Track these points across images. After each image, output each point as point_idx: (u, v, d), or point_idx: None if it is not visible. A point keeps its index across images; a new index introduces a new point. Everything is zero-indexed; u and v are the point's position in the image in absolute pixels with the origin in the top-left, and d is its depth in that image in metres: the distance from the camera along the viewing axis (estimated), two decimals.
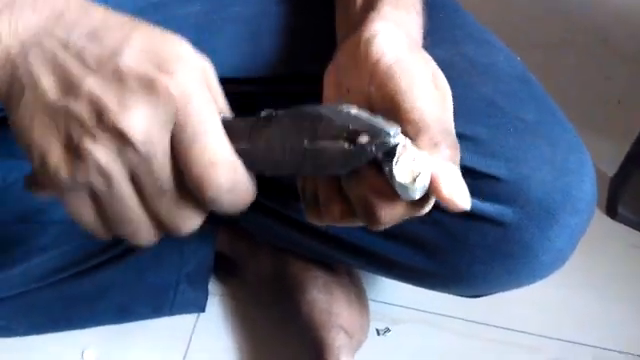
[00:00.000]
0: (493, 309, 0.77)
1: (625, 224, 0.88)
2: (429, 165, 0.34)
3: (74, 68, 0.33)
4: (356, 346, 0.69)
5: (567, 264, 0.56)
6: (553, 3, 1.20)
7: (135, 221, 0.35)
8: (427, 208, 0.37)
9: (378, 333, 0.76)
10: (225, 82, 0.57)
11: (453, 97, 0.51)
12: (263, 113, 0.35)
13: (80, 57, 0.33)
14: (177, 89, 0.33)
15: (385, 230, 0.55)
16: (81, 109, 0.33)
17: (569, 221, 0.51)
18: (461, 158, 0.50)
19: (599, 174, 0.55)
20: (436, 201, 0.51)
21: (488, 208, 0.52)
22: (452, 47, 0.55)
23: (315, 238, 0.63)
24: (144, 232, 0.36)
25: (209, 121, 0.33)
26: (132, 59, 0.33)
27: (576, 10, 1.19)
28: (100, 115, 0.33)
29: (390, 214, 0.36)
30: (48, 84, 0.33)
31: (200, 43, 0.56)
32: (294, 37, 0.57)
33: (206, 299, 0.75)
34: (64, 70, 0.33)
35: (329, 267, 0.71)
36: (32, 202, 0.65)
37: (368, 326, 0.72)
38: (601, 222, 0.86)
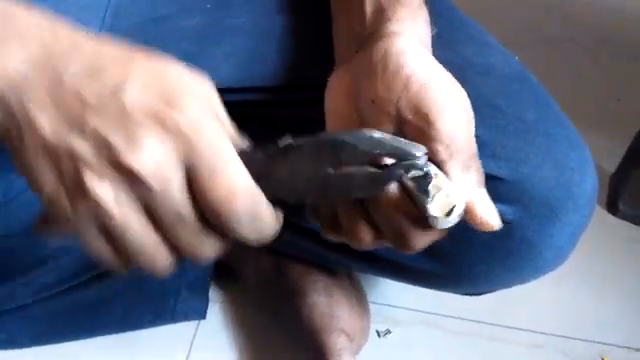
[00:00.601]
0: (495, 308, 0.77)
1: (626, 220, 0.88)
2: (463, 197, 0.35)
3: (74, 107, 0.32)
4: (357, 349, 0.69)
5: (569, 261, 0.57)
6: (553, 1, 1.20)
7: (152, 251, 0.34)
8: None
9: (379, 335, 0.76)
10: (226, 92, 0.57)
11: None
12: (281, 142, 0.35)
13: (79, 96, 0.32)
14: (188, 124, 0.32)
15: None
16: (85, 148, 0.32)
17: (570, 218, 0.51)
18: None
19: (599, 171, 0.55)
20: None
21: None
22: (451, 49, 0.55)
23: (317, 243, 0.63)
24: (161, 261, 0.35)
25: (224, 152, 0.33)
26: (135, 95, 0.32)
27: (576, 8, 1.20)
28: (107, 153, 0.32)
29: (423, 240, 0.37)
30: (46, 124, 0.32)
31: (200, 54, 0.57)
32: (294, 45, 0.57)
33: (207, 306, 0.74)
34: (62, 109, 0.32)
35: (329, 270, 0.71)
36: (32, 215, 0.64)
37: (369, 328, 0.72)
38: (602, 218, 0.87)
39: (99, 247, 0.34)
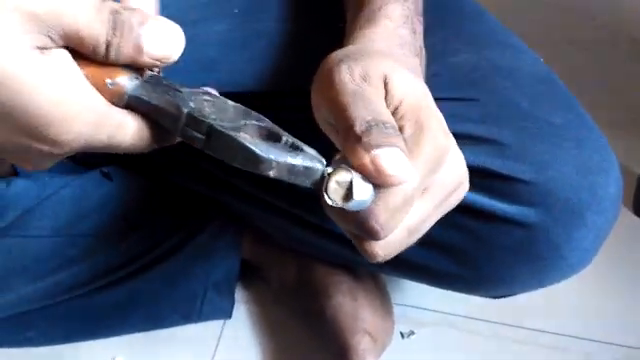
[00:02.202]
0: (518, 310, 0.77)
1: None
2: (354, 174, 0.34)
3: None
4: (381, 350, 0.69)
5: (595, 264, 0.57)
6: (576, 1, 1.19)
7: None
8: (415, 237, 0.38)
9: (403, 336, 0.76)
10: (250, 97, 0.58)
11: (478, 102, 0.52)
12: (196, 136, 0.34)
13: None
14: (68, 150, 0.33)
15: None
16: None
17: (595, 221, 0.51)
18: (486, 162, 0.51)
19: (627, 173, 0.55)
20: (459, 204, 0.52)
21: (513, 210, 0.52)
22: (477, 52, 0.55)
23: (340, 243, 0.63)
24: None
25: (121, 140, 0.33)
26: None
27: (600, 9, 1.19)
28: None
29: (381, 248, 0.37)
30: None
31: (226, 59, 0.58)
32: (321, 51, 0.58)
33: (232, 306, 0.76)
34: None
35: (353, 272, 0.72)
36: (63, 216, 0.66)
37: (392, 330, 0.73)
38: (629, 221, 0.86)
39: None
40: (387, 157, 0.34)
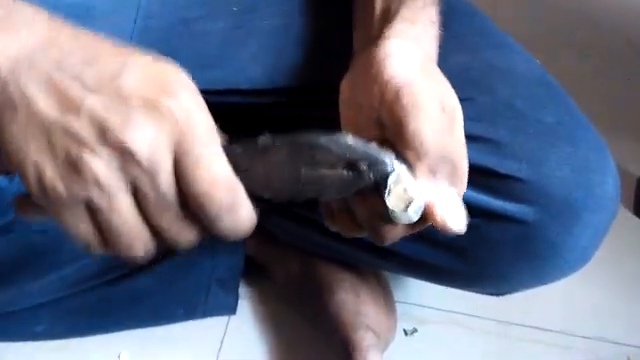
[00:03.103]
0: (523, 309, 0.77)
1: None
2: (421, 193, 0.37)
3: (72, 88, 0.33)
4: (384, 346, 0.70)
5: (598, 262, 0.57)
6: (576, 5, 1.19)
7: (134, 234, 0.35)
8: (425, 225, 0.40)
9: (406, 333, 0.76)
10: (252, 93, 0.58)
11: (473, 102, 0.52)
12: (261, 140, 0.36)
13: (78, 79, 0.33)
14: (180, 111, 0.33)
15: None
16: (81, 127, 0.33)
17: (592, 219, 0.52)
18: (483, 160, 0.51)
19: (626, 175, 0.55)
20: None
21: (511, 208, 0.53)
22: (471, 52, 0.55)
23: (341, 241, 0.64)
24: (141, 246, 0.36)
25: (211, 143, 0.34)
26: (133, 80, 0.33)
27: (599, 12, 1.19)
28: (103, 132, 0.33)
29: (392, 233, 0.39)
30: (44, 103, 0.33)
31: (228, 56, 0.58)
32: (317, 48, 0.59)
33: (237, 302, 0.76)
34: (61, 90, 0.33)
35: (356, 269, 0.72)
36: None
37: (395, 327, 0.73)
38: (629, 222, 0.86)
39: (82, 226, 0.35)
40: (453, 207, 0.38)
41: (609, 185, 0.52)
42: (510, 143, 0.51)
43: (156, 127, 0.33)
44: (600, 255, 0.56)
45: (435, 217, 0.37)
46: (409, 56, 0.42)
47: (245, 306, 0.78)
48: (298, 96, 0.59)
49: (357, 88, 0.43)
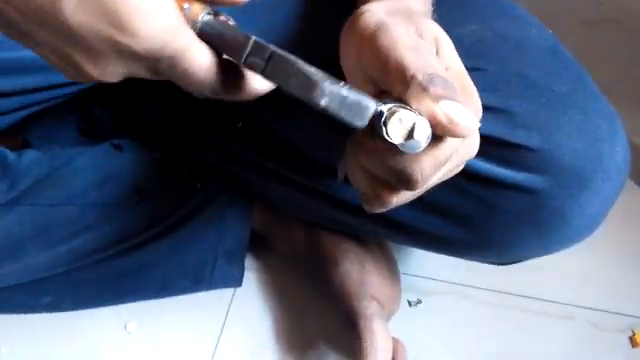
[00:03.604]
0: (526, 280, 0.78)
1: None
2: (419, 117, 0.35)
3: (16, 18, 0.32)
4: (388, 315, 0.70)
5: (602, 234, 0.57)
6: None
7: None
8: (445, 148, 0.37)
9: (410, 304, 0.77)
10: None
11: (485, 72, 0.52)
12: (254, 58, 0.34)
13: (23, 13, 0.32)
14: (146, 47, 0.33)
15: (417, 200, 0.57)
16: (51, 57, 0.33)
17: (600, 187, 0.52)
18: (494, 130, 0.51)
19: (634, 148, 0.55)
20: (467, 172, 0.53)
21: (520, 177, 0.53)
22: (483, 23, 0.55)
23: (346, 211, 0.64)
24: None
25: (189, 63, 0.34)
26: (73, 13, 0.32)
27: None
28: (78, 69, 0.33)
29: (421, 169, 0.37)
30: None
31: (245, 27, 0.57)
32: (311, 24, 0.58)
33: (243, 274, 0.77)
34: (13, 26, 0.33)
35: (360, 240, 0.72)
36: (75, 185, 0.67)
37: (400, 297, 0.74)
38: (634, 193, 0.86)
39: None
40: (455, 109, 0.35)
41: (619, 155, 0.52)
42: (521, 112, 0.51)
43: (126, 65, 0.33)
44: (604, 226, 0.57)
45: (440, 121, 0.35)
46: (381, 8, 0.42)
47: (250, 278, 0.79)
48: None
49: (343, 56, 0.43)
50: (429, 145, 0.36)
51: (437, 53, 0.40)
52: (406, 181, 0.37)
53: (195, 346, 0.74)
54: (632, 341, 0.74)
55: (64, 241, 0.67)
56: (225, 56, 0.36)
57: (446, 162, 0.38)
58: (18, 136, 0.69)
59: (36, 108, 0.63)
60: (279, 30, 0.59)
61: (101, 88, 0.68)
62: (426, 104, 0.35)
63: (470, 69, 0.50)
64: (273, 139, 0.63)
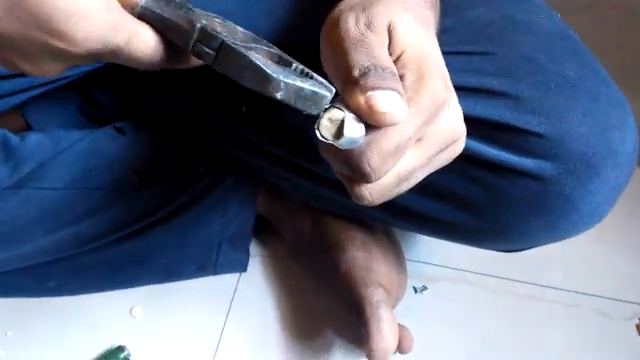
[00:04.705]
0: (532, 267, 0.77)
1: None
2: (346, 113, 0.35)
3: None
4: (394, 302, 0.70)
5: (609, 222, 0.57)
6: None
7: None
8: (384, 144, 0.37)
9: (415, 291, 0.77)
10: None
11: (494, 56, 0.51)
12: (207, 50, 0.34)
13: None
14: (85, 48, 0.32)
15: (425, 187, 0.56)
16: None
17: (610, 175, 0.51)
18: (502, 115, 0.51)
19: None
20: (474, 158, 0.52)
21: (528, 163, 0.52)
22: (492, 7, 0.54)
23: (350, 197, 0.64)
24: None
25: (134, 53, 0.34)
26: (7, 26, 0.32)
27: None
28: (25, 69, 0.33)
29: (373, 161, 0.36)
30: None
31: (238, 12, 0.57)
32: (304, 10, 0.57)
33: (247, 259, 0.77)
34: None
35: (367, 227, 0.72)
36: (79, 169, 0.67)
37: (406, 284, 0.73)
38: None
39: None
40: (381, 97, 0.35)
41: (628, 142, 0.51)
42: (530, 98, 0.50)
43: (67, 64, 0.34)
44: (612, 213, 0.56)
45: (362, 111, 0.35)
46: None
47: (256, 263, 0.79)
48: (291, 55, 0.58)
49: (321, 47, 0.42)
50: (369, 136, 0.36)
51: (390, 40, 0.39)
52: (359, 174, 0.37)
53: (201, 331, 0.74)
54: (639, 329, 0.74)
55: (68, 225, 0.67)
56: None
57: (398, 149, 0.37)
58: (20, 119, 0.69)
59: (37, 91, 0.63)
60: (275, 13, 0.58)
61: (103, 72, 0.67)
62: (354, 97, 0.35)
63: (479, 53, 0.50)
64: (278, 123, 0.62)
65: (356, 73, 0.36)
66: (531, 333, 0.74)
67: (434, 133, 0.39)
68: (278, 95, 0.34)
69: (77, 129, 0.69)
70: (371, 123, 0.35)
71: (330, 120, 0.35)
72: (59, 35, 0.32)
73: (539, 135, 0.51)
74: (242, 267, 0.76)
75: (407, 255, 0.76)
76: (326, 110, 0.35)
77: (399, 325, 0.67)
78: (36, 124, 0.70)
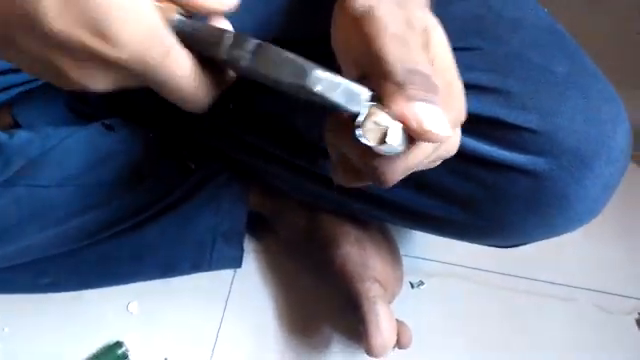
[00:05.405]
0: (529, 262, 0.77)
1: None
2: (393, 122, 0.34)
3: (9, 31, 0.32)
4: (390, 298, 0.70)
5: (605, 216, 0.56)
6: None
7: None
8: (419, 156, 0.37)
9: (412, 286, 0.77)
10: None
11: (482, 52, 0.51)
12: (251, 42, 0.34)
13: (8, 22, 0.32)
14: (126, 55, 0.32)
15: (419, 184, 0.56)
16: (35, 65, 0.33)
17: (603, 170, 0.51)
18: (492, 111, 0.50)
19: (637, 128, 0.54)
20: (467, 154, 0.52)
21: (521, 159, 0.52)
22: (479, 1, 0.54)
23: (346, 194, 0.64)
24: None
25: (173, 76, 0.33)
26: (55, 19, 0.31)
27: None
28: (63, 76, 0.33)
29: (389, 171, 0.36)
30: None
31: (241, 5, 0.56)
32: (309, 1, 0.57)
33: (242, 255, 0.76)
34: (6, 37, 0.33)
35: (361, 223, 0.72)
36: (70, 166, 0.67)
37: (402, 279, 0.73)
38: (636, 174, 0.85)
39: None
40: (429, 113, 0.34)
41: (621, 137, 0.51)
42: (520, 93, 0.50)
43: (113, 76, 0.34)
44: (608, 208, 0.55)
45: (410, 125, 0.33)
46: None
47: (251, 260, 0.79)
48: (294, 49, 0.57)
49: (333, 36, 0.42)
50: (404, 148, 0.35)
51: (426, 45, 0.38)
52: (376, 180, 0.37)
53: (199, 325, 0.74)
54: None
55: (61, 222, 0.67)
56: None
57: (419, 165, 0.37)
58: (8, 117, 0.69)
59: (25, 87, 0.63)
60: (277, 7, 0.58)
61: None
62: (399, 104, 0.34)
63: (467, 48, 0.49)
64: (267, 120, 0.62)
65: (400, 76, 0.34)
66: (529, 328, 0.74)
67: (445, 147, 0.39)
68: (317, 87, 0.33)
69: (65, 126, 0.69)
70: (413, 135, 0.34)
71: (375, 124, 0.34)
72: (106, 36, 0.32)
73: (531, 131, 0.50)
74: (237, 263, 0.76)
75: (403, 250, 0.76)
76: (370, 112, 0.34)
77: (397, 320, 0.67)
78: (24, 122, 0.70)
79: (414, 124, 0.34)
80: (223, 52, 0.34)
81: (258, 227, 0.79)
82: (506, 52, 0.51)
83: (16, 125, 0.70)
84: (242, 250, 0.76)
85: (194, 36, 0.34)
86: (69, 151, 0.67)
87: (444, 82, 0.37)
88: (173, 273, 0.75)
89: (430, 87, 0.35)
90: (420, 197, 0.58)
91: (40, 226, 0.66)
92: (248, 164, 0.70)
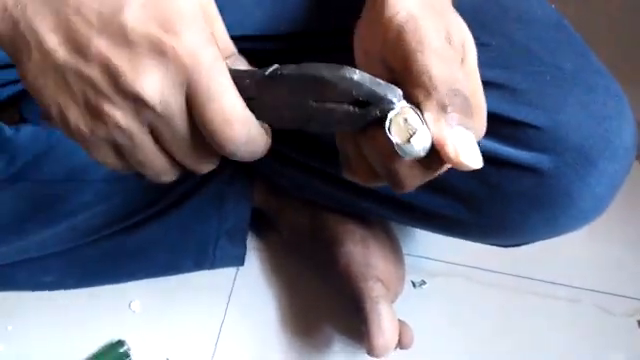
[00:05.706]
0: (532, 262, 0.77)
1: None
2: (425, 125, 0.34)
3: (79, 26, 0.33)
4: (393, 297, 0.70)
5: (609, 216, 0.56)
6: None
7: (156, 165, 0.37)
8: (441, 169, 0.37)
9: (414, 285, 0.76)
10: (251, 39, 0.57)
11: (488, 47, 0.51)
12: (268, 70, 0.36)
13: (81, 13, 0.33)
14: (185, 50, 0.33)
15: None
16: (93, 72, 0.33)
17: (608, 167, 0.50)
18: (497, 107, 0.50)
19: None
20: None
21: (525, 156, 0.52)
22: None
23: (350, 192, 0.64)
24: (165, 173, 0.38)
25: (220, 79, 0.34)
26: (134, 17, 0.33)
27: None
28: (115, 80, 0.33)
29: (408, 176, 0.36)
30: (54, 43, 0.34)
31: (229, 1, 0.56)
32: None
33: (245, 253, 0.76)
34: (69, 27, 0.33)
35: (364, 222, 0.72)
36: (76, 161, 0.67)
37: (404, 278, 0.73)
38: None
39: (108, 158, 0.37)
40: (466, 143, 0.34)
41: (626, 134, 0.50)
42: (526, 89, 0.50)
43: (164, 71, 0.33)
44: (610, 208, 0.55)
45: (446, 153, 0.34)
46: None
47: (254, 257, 0.79)
48: (304, 42, 0.57)
49: (363, 32, 0.42)
50: (427, 162, 0.35)
51: (462, 62, 0.38)
52: (392, 183, 0.37)
53: (201, 323, 0.74)
54: None
55: (66, 218, 0.67)
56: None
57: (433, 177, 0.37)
58: (14, 111, 0.69)
59: None
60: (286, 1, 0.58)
61: None
62: (439, 126, 0.34)
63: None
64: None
65: (444, 98, 0.34)
66: (531, 329, 0.73)
67: None
68: (355, 76, 0.34)
69: None
70: (444, 159, 0.34)
71: (405, 121, 0.34)
72: (171, 30, 0.33)
73: (536, 127, 0.50)
74: (239, 261, 0.76)
75: (406, 250, 0.76)
76: (403, 110, 0.34)
77: (399, 320, 0.66)
78: (31, 116, 0.70)
79: (451, 152, 0.34)
80: (260, 74, 0.36)
81: (261, 225, 0.79)
82: (512, 47, 0.51)
83: (22, 120, 0.70)
84: (245, 248, 0.76)
85: (238, 72, 0.36)
86: (74, 147, 0.66)
87: (474, 103, 0.37)
88: (176, 271, 0.75)
89: (469, 111, 0.35)
90: (425, 194, 0.58)
91: (45, 222, 0.66)
92: (253, 162, 0.70)
